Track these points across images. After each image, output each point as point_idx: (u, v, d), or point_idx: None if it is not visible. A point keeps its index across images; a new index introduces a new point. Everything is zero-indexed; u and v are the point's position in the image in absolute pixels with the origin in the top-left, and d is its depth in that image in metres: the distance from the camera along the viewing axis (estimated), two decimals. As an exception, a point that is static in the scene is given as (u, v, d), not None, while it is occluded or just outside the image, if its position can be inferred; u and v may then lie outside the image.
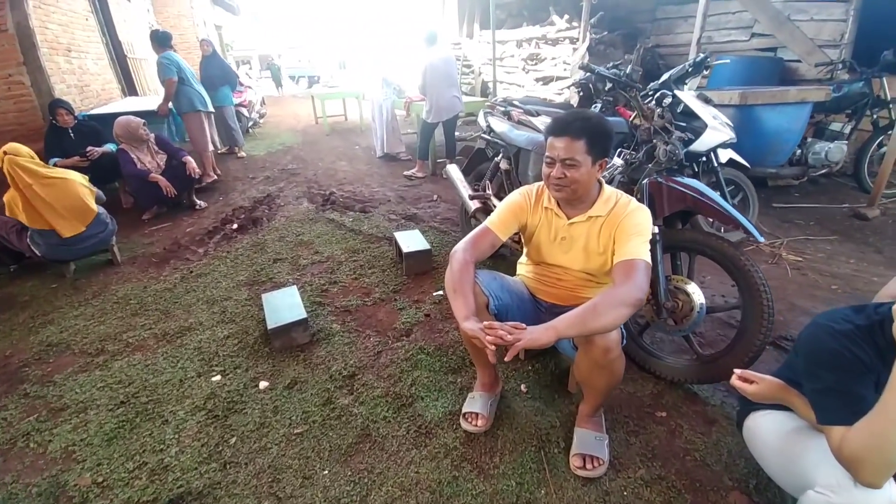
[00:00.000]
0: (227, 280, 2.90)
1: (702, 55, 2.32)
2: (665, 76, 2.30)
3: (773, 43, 5.33)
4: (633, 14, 7.15)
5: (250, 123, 8.15)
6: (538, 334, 1.20)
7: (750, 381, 1.20)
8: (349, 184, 4.95)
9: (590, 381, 1.46)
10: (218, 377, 2.01)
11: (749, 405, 1.28)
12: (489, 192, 2.82)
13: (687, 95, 2.36)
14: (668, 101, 2.09)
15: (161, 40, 4.58)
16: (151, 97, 5.75)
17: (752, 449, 1.28)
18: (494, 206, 2.71)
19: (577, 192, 1.43)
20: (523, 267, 1.76)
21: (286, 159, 6.19)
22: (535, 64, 7.43)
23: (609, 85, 2.34)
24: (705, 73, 2.15)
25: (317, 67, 22.58)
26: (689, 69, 2.25)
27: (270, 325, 2.14)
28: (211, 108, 5.15)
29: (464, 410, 1.69)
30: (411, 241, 2.93)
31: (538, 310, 1.67)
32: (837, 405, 0.98)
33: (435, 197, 4.42)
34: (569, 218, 1.51)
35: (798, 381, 1.16)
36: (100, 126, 4.23)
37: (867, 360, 0.98)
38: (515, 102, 2.88)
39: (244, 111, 7.54)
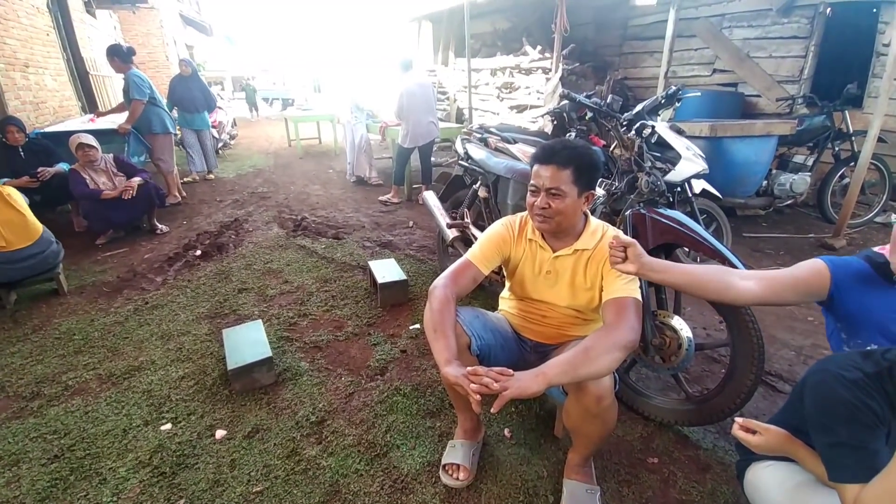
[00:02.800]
0: (187, 312, 2.68)
1: (674, 87, 2.34)
2: (638, 107, 2.30)
3: (734, 78, 5.59)
4: (601, 48, 7.41)
5: (220, 145, 7.94)
6: (527, 382, 1.09)
7: (752, 430, 1.11)
8: (322, 208, 4.81)
9: (581, 429, 1.36)
10: (168, 425, 1.80)
11: (749, 455, 1.20)
12: (467, 220, 2.74)
13: (662, 126, 2.37)
14: (647, 131, 2.08)
15: (125, 56, 4.34)
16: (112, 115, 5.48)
17: (755, 504, 1.19)
18: (473, 235, 2.63)
19: (562, 224, 1.36)
20: (506, 302, 1.66)
21: (256, 182, 6.00)
22: (510, 92, 7.55)
23: (589, 115, 2.31)
24: (676, 104, 2.15)
25: (291, 90, 22.47)
26: (662, 101, 2.25)
27: (231, 365, 1.94)
28: (176, 131, 5.00)
29: (444, 461, 1.54)
30: (387, 270, 2.80)
31: (523, 349, 1.57)
32: (851, 461, 0.91)
33: (411, 223, 4.32)
34: (554, 251, 1.43)
35: (801, 430, 1.09)
36: (52, 145, 3.98)
37: (879, 411, 0.92)
38: (492, 129, 2.84)
39: (214, 132, 7.34)
